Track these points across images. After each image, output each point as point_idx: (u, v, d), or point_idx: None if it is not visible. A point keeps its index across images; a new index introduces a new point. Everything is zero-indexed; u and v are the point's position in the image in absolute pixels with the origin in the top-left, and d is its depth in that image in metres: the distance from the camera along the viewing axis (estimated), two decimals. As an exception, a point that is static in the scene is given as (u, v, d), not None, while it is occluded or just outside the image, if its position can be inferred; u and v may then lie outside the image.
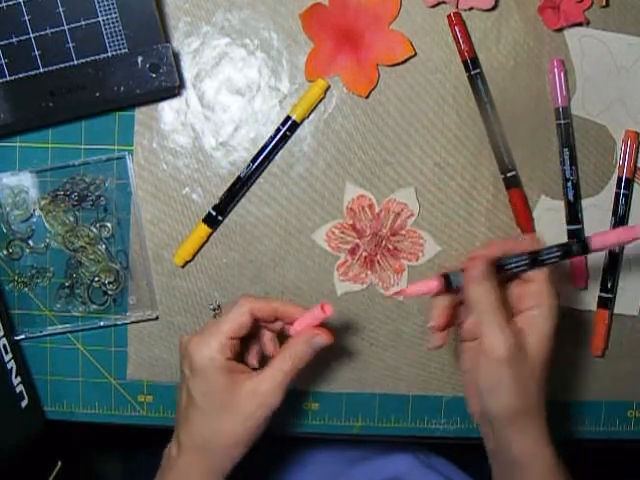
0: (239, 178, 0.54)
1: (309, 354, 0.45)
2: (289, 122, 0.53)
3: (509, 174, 0.54)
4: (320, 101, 0.53)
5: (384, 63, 0.53)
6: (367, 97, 0.54)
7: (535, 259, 0.42)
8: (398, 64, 0.53)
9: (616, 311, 0.57)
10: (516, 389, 0.43)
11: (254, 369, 0.47)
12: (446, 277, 0.44)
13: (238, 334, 0.45)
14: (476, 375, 0.44)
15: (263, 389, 0.44)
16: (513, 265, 0.43)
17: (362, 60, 0.53)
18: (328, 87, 0.53)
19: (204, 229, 0.54)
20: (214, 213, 0.54)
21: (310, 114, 0.54)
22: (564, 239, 0.56)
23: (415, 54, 0.54)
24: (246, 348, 0.48)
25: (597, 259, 0.56)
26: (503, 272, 0.43)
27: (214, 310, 0.55)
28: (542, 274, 0.43)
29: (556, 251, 0.42)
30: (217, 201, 0.54)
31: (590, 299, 0.57)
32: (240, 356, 0.47)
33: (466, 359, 0.46)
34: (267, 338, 0.49)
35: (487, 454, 0.48)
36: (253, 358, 0.49)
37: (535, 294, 0.44)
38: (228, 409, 0.44)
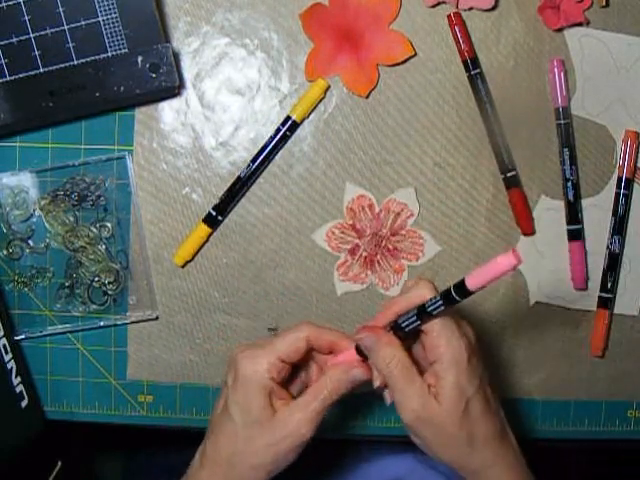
0: (239, 178, 0.54)
1: (345, 386, 0.44)
2: (289, 122, 0.53)
3: (509, 174, 0.54)
4: (320, 101, 0.54)
5: (384, 63, 0.53)
6: (367, 97, 0.54)
7: (422, 312, 0.41)
8: (398, 64, 0.53)
9: (616, 311, 0.57)
10: (437, 444, 0.43)
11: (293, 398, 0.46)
12: (357, 347, 0.44)
13: (290, 358, 0.44)
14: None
15: (296, 418, 0.42)
16: (405, 324, 0.42)
17: (362, 60, 0.53)
18: (328, 87, 0.53)
19: (204, 229, 0.54)
20: (214, 213, 0.54)
21: (310, 114, 0.54)
22: (564, 239, 0.56)
23: (415, 54, 0.54)
24: (291, 376, 0.46)
25: (597, 259, 0.56)
26: (401, 332, 0.42)
27: (271, 330, 0.55)
28: (435, 325, 0.41)
29: (438, 301, 0.40)
30: (217, 201, 0.54)
31: (590, 299, 0.57)
32: (285, 382, 0.45)
33: None
34: (314, 370, 0.47)
35: None
36: (296, 387, 0.47)
37: (432, 348, 0.42)
38: (259, 430, 0.43)
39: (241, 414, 0.43)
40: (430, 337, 0.42)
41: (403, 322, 0.42)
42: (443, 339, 0.41)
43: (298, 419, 0.42)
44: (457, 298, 0.39)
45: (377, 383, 0.44)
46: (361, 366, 0.44)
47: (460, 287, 0.39)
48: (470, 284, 0.39)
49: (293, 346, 0.44)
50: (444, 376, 0.41)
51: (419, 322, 0.41)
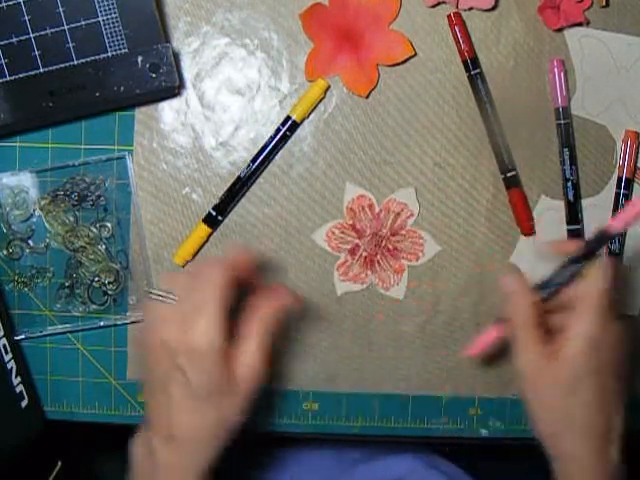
0: (239, 178, 0.54)
1: (278, 318, 0.45)
2: (289, 122, 0.53)
3: (509, 174, 0.54)
4: (320, 101, 0.53)
5: (384, 63, 0.53)
6: (367, 97, 0.54)
7: (580, 258, 0.44)
8: (398, 64, 0.53)
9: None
10: (537, 409, 0.44)
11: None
12: (500, 321, 0.48)
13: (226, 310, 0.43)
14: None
15: (255, 359, 0.43)
16: (554, 279, 0.46)
17: (362, 60, 0.53)
18: (328, 87, 0.53)
19: (204, 229, 0.54)
20: (214, 213, 0.54)
21: (310, 114, 0.54)
22: (564, 239, 0.55)
23: (415, 54, 0.54)
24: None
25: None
26: (547, 291, 0.46)
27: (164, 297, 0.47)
28: (577, 302, 0.44)
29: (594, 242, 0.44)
30: (217, 201, 0.54)
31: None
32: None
33: None
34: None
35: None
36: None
37: (564, 320, 0.45)
38: (227, 392, 0.43)
39: (208, 388, 0.43)
40: (567, 313, 0.44)
41: (550, 279, 0.46)
42: (579, 317, 0.43)
43: (254, 360, 0.44)
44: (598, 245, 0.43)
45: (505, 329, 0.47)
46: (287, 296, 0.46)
47: (603, 233, 0.43)
48: (614, 227, 0.43)
49: (225, 298, 0.43)
50: (565, 351, 0.43)
51: (568, 278, 0.45)
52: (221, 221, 0.54)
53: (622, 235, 0.56)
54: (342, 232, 0.55)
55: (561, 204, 0.55)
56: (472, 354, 0.49)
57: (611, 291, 0.44)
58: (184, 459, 0.44)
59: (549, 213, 0.56)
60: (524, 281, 0.46)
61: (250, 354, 0.44)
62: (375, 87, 0.54)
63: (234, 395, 0.44)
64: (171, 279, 0.46)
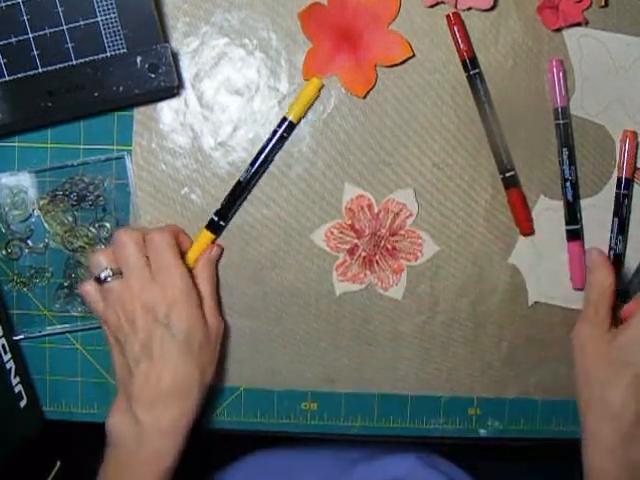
0: (239, 182, 0.53)
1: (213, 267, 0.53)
2: (285, 123, 0.53)
3: (508, 174, 0.54)
4: (315, 100, 0.53)
5: (382, 64, 0.53)
6: (364, 97, 0.54)
7: None
8: (396, 65, 0.53)
9: (615, 311, 0.57)
10: (582, 370, 0.49)
11: None
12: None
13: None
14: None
15: (216, 309, 0.52)
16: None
17: (360, 60, 0.53)
18: (322, 86, 0.53)
19: (207, 235, 0.54)
20: (216, 219, 0.54)
21: (306, 114, 0.54)
22: (563, 239, 0.56)
23: (413, 55, 0.54)
24: None
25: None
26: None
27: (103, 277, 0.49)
28: None
29: None
30: (218, 205, 0.54)
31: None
32: None
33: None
34: None
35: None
36: None
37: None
38: (205, 340, 0.50)
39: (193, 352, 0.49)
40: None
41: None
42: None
43: (214, 311, 0.52)
44: None
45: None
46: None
47: None
48: None
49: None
50: (620, 337, 0.47)
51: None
52: (224, 227, 0.54)
53: (624, 235, 0.56)
54: (341, 232, 0.55)
55: (560, 204, 0.55)
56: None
57: None
58: (172, 418, 0.47)
59: (548, 213, 0.56)
60: (607, 259, 0.50)
61: (209, 302, 0.51)
62: (373, 87, 0.54)
63: (210, 344, 0.50)
64: (117, 252, 0.49)
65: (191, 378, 0.48)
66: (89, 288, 0.49)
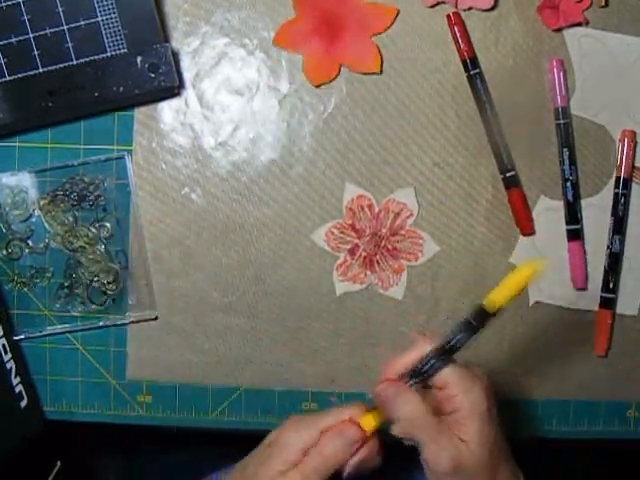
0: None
1: (342, 450, 0.42)
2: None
3: (508, 174, 0.54)
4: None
5: (348, 66, 0.53)
6: (317, 87, 0.54)
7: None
8: (367, 73, 0.53)
9: (616, 311, 0.57)
10: None
11: None
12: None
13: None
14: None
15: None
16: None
17: (330, 53, 0.53)
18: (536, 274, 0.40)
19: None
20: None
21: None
22: (564, 239, 0.56)
23: (381, 72, 0.54)
24: None
25: (597, 259, 0.56)
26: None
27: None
28: (450, 375, 0.41)
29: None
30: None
31: (590, 299, 0.57)
32: None
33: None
34: None
35: None
36: None
37: (449, 398, 0.41)
38: None
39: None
40: (447, 389, 0.41)
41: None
42: (460, 388, 0.41)
43: None
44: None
45: (396, 431, 0.42)
46: (354, 427, 0.42)
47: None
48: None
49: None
50: (468, 424, 0.41)
51: (440, 363, 0.41)
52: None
53: (622, 235, 0.56)
54: (341, 232, 0.55)
55: (560, 204, 0.55)
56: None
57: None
58: None
59: (548, 213, 0.56)
60: (399, 383, 0.42)
61: (300, 474, 0.42)
62: (329, 83, 0.54)
63: None
64: (302, 426, 0.44)
65: None
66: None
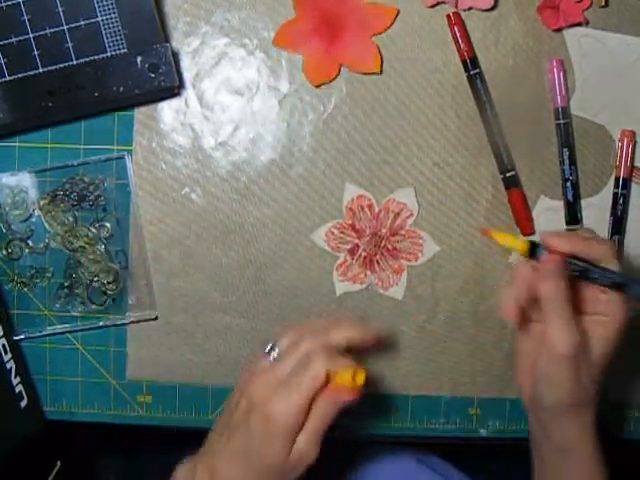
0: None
1: (334, 412, 0.45)
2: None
3: (508, 174, 0.54)
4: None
5: (348, 66, 0.53)
6: (317, 87, 0.54)
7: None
8: (367, 73, 0.53)
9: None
10: (573, 386, 0.44)
11: None
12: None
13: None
14: (535, 362, 0.46)
15: (310, 447, 0.44)
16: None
17: (330, 53, 0.53)
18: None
19: (353, 380, 0.46)
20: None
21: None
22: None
23: (381, 72, 0.54)
24: None
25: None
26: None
27: (270, 352, 0.49)
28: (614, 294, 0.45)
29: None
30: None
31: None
32: None
33: (526, 342, 0.48)
34: None
35: (530, 438, 0.50)
36: None
37: (607, 302, 0.45)
38: (277, 468, 0.44)
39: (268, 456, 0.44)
40: (605, 294, 0.45)
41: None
42: (620, 299, 0.44)
43: (304, 450, 0.44)
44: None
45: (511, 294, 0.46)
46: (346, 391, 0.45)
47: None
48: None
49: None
50: (610, 329, 0.45)
51: (608, 284, 0.44)
52: None
53: (621, 236, 0.56)
54: (341, 232, 0.55)
55: (560, 204, 0.55)
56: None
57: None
58: None
59: (548, 213, 0.56)
60: (562, 262, 0.45)
61: (306, 440, 0.44)
62: (329, 83, 0.54)
63: (279, 473, 0.45)
64: (287, 331, 0.48)
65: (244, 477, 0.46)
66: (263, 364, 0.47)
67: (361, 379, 0.45)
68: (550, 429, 0.47)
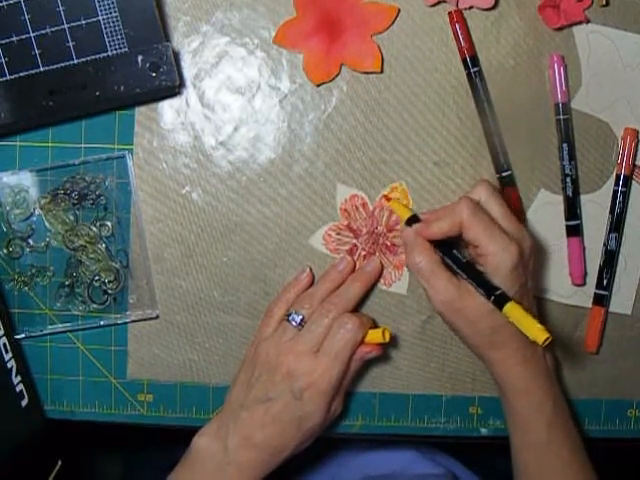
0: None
1: (360, 369, 0.53)
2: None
3: (504, 173, 0.54)
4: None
5: (349, 65, 0.53)
6: (318, 86, 0.54)
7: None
8: (367, 72, 0.53)
9: (611, 309, 0.57)
10: (467, 331, 0.49)
11: None
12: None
13: None
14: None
15: (339, 406, 0.53)
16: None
17: (331, 52, 0.53)
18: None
19: (381, 337, 0.51)
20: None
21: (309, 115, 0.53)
22: (562, 235, 0.56)
23: (381, 71, 0.54)
24: None
25: (595, 256, 0.56)
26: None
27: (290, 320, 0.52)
28: (482, 238, 0.47)
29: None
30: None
31: (589, 296, 0.57)
32: None
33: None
34: None
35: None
36: None
37: (480, 255, 0.48)
38: (317, 426, 0.51)
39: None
40: (479, 247, 0.47)
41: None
42: (490, 248, 0.47)
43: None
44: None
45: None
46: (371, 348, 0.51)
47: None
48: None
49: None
50: (499, 263, 0.47)
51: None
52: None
53: (619, 233, 0.56)
54: (338, 234, 0.55)
55: (560, 199, 0.55)
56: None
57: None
58: (257, 464, 0.50)
59: (548, 207, 0.56)
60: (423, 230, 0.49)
61: (338, 400, 0.52)
62: (330, 82, 0.54)
63: (321, 429, 0.52)
64: (304, 299, 0.52)
65: (286, 447, 0.51)
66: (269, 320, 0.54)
67: (388, 336, 0.50)
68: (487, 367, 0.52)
